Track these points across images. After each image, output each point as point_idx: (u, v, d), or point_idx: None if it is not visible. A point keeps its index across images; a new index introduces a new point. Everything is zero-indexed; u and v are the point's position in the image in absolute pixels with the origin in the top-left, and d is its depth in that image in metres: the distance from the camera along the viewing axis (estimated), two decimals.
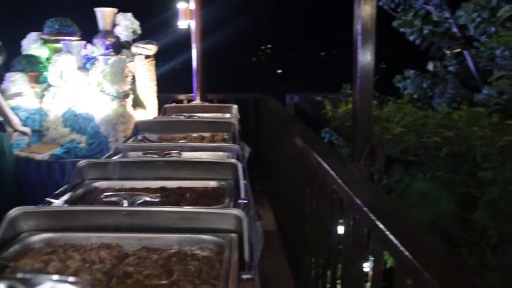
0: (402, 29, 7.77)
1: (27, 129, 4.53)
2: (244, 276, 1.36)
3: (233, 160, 2.28)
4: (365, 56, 3.83)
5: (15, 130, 4.53)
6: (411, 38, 7.70)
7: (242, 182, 2.16)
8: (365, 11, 3.75)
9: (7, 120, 4.26)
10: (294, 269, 4.02)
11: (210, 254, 1.51)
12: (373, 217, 1.77)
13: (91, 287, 0.88)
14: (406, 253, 1.45)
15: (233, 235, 1.56)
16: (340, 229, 2.64)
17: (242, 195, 2.07)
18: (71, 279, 0.88)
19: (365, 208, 1.87)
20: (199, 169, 2.27)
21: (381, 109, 5.23)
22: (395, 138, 4.40)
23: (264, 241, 3.55)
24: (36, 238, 1.57)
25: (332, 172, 2.48)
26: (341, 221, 2.61)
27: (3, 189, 4.09)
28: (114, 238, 1.57)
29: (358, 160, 4.03)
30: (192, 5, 6.55)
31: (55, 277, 0.89)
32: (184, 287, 1.30)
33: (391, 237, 1.57)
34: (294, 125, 4.11)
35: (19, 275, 0.89)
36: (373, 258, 1.98)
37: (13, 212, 1.59)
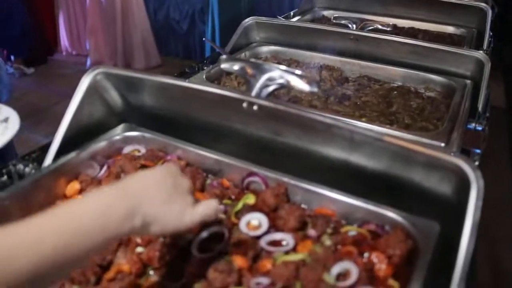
0: None
1: None
2: (473, 125, 1.19)
3: (483, 5, 1.92)
4: None
5: None
6: None
7: (488, 32, 1.83)
8: None
9: None
10: None
11: (436, 96, 1.36)
12: None
13: (316, 84, 0.85)
14: None
15: (468, 81, 1.36)
16: None
17: (485, 45, 1.77)
18: (298, 71, 0.86)
19: None
20: (437, 10, 1.99)
21: None
22: None
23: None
24: (265, 49, 1.63)
25: None
26: None
27: (238, 6, 4.38)
28: (337, 61, 1.53)
29: None
30: None
31: (283, 67, 0.88)
32: (403, 119, 1.21)
33: None
34: None
35: (252, 59, 0.91)
36: None
37: (248, 21, 1.65)
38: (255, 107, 0.85)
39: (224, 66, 0.94)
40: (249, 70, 0.90)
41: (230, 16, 4.27)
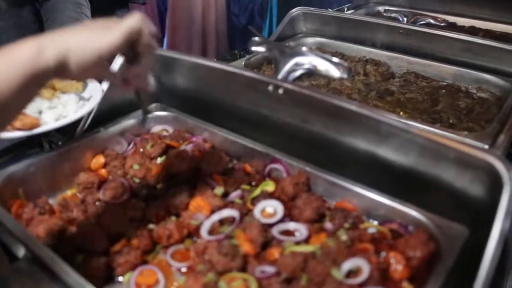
0: None
1: None
2: None
3: None
4: None
5: None
6: None
7: None
8: None
9: None
10: None
11: (489, 97, 1.26)
12: None
13: (346, 71, 0.80)
14: None
15: None
16: None
17: None
18: (334, 59, 0.82)
19: None
20: (502, 8, 1.86)
21: None
22: None
23: None
24: (310, 40, 1.59)
25: None
26: None
27: (297, 2, 4.34)
28: (384, 56, 1.45)
29: None
30: None
31: (313, 52, 0.84)
32: (447, 119, 1.13)
33: None
34: None
35: (288, 43, 0.88)
36: None
37: (295, 11, 1.62)
38: (280, 91, 0.82)
39: (254, 48, 0.91)
40: (278, 54, 0.87)
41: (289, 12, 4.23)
